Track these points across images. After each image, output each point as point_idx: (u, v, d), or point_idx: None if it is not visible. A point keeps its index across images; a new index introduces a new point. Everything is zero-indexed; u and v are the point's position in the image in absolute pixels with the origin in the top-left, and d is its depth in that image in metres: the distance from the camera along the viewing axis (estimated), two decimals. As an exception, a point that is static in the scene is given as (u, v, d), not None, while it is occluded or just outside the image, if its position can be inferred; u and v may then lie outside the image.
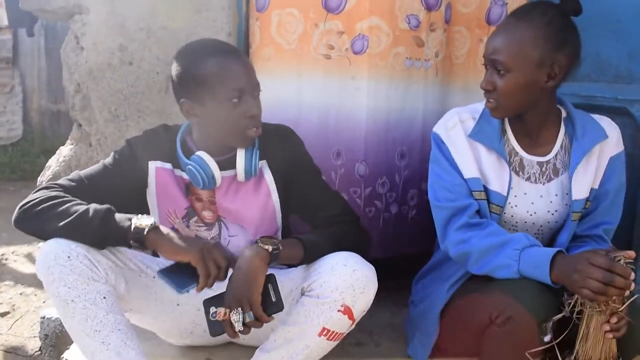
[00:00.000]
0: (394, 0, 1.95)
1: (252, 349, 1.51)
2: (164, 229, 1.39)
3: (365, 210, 2.07)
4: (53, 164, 2.08)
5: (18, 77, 6.26)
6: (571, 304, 1.30)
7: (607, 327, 1.29)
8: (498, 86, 1.45)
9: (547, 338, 1.30)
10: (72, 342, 1.78)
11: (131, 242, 1.35)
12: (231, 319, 1.30)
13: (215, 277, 1.35)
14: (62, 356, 1.71)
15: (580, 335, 1.31)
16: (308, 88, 1.98)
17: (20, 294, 3.19)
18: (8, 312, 2.95)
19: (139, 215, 1.39)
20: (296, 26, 1.94)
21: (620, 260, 1.26)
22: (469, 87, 2.15)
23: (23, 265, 3.62)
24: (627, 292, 1.26)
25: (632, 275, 1.25)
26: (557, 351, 1.30)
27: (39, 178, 2.12)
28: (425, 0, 1.99)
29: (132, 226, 1.34)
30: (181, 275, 1.35)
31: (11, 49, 6.13)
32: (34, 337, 2.67)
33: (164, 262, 1.56)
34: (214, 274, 1.34)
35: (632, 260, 1.28)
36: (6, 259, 3.69)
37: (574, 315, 1.30)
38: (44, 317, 2.19)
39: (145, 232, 1.34)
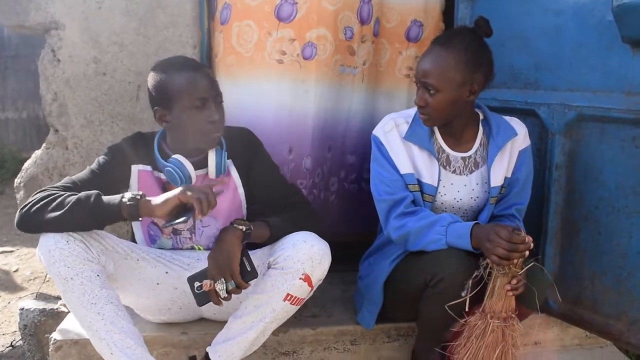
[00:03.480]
0: (336, 13, 2.19)
1: (222, 323, 1.73)
2: (151, 197, 1.55)
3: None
4: (30, 166, 2.23)
5: (-36, 86, 6.21)
6: (484, 267, 1.58)
7: (508, 287, 1.58)
8: (429, 103, 1.71)
9: (463, 293, 1.58)
10: (51, 330, 1.95)
11: (127, 209, 1.50)
12: (216, 288, 1.53)
13: (207, 203, 1.49)
14: (50, 336, 1.87)
15: (487, 292, 1.60)
16: (264, 91, 2.19)
17: (-17, 297, 3.27)
18: (-27, 315, 3.04)
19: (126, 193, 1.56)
20: (252, 35, 2.16)
21: (520, 234, 1.55)
22: (390, 91, 2.45)
23: (-17, 270, 3.69)
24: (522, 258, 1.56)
25: (530, 245, 1.54)
26: (467, 304, 1.57)
27: (15, 180, 2.27)
28: (360, 15, 2.25)
29: (126, 199, 1.51)
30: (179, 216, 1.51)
31: (-43, 58, 6.08)
32: (3, 334, 2.79)
33: (145, 248, 1.77)
34: (204, 198, 1.49)
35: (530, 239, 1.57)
36: (-36, 265, 3.74)
37: (486, 277, 1.59)
38: (22, 309, 2.33)
39: (138, 200, 1.51)
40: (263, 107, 2.21)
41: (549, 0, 1.98)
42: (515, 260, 1.55)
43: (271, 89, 2.20)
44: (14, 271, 3.59)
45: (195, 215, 1.49)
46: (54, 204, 1.52)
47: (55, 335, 1.86)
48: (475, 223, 1.66)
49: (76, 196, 1.53)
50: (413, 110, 1.86)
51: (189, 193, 1.50)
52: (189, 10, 2.15)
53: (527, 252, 1.55)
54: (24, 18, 2.11)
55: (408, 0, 2.37)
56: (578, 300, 1.96)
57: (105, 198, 1.54)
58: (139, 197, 1.52)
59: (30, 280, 3.44)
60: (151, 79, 1.72)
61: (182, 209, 1.52)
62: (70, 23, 2.11)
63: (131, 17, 2.12)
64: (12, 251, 3.93)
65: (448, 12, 2.45)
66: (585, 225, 1.92)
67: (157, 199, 1.53)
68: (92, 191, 1.55)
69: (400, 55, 2.41)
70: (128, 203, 1.51)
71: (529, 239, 1.54)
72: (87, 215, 1.51)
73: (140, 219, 1.54)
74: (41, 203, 1.53)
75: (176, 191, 1.52)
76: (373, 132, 1.87)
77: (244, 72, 2.19)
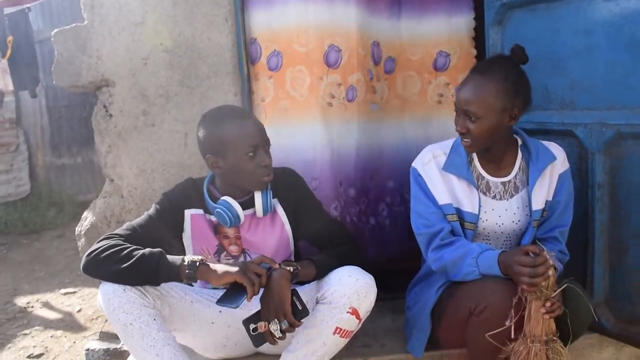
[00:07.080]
0: (366, 58, 2.37)
1: (276, 356, 1.79)
2: (210, 263, 1.65)
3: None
4: (89, 215, 2.37)
5: (22, 136, 6.46)
6: (520, 293, 1.60)
7: (543, 310, 1.59)
8: (471, 130, 1.74)
9: (507, 322, 1.60)
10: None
11: (186, 273, 1.60)
12: (270, 329, 1.59)
13: (259, 285, 1.59)
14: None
15: (526, 317, 1.61)
16: (316, 132, 2.34)
17: (51, 336, 3.38)
18: (42, 354, 3.15)
19: (187, 255, 1.67)
20: (304, 79, 2.32)
21: (537, 255, 1.57)
22: (425, 118, 2.60)
23: (49, 312, 3.79)
24: (550, 274, 1.56)
25: (548, 264, 1.56)
26: (512, 331, 1.60)
27: (76, 228, 2.40)
28: (373, 58, 2.45)
29: (186, 262, 1.61)
30: (232, 295, 1.61)
31: (14, 110, 6.39)
32: (71, 374, 2.92)
33: (198, 289, 1.86)
34: (257, 282, 1.59)
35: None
36: (32, 307, 3.88)
37: (524, 302, 1.60)
38: (88, 350, 2.45)
39: (197, 265, 1.61)
40: (319, 147, 2.36)
41: (579, 21, 1.99)
42: (543, 283, 1.56)
43: (322, 130, 2.35)
44: (77, 311, 3.74)
45: (247, 298, 1.57)
46: (120, 255, 1.62)
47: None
48: (502, 251, 1.68)
49: (141, 252, 1.63)
50: (451, 141, 1.89)
51: (246, 274, 1.58)
52: (229, 59, 2.25)
53: (550, 272, 1.56)
54: (76, 78, 2.26)
55: (430, 35, 2.51)
56: (632, 319, 1.94)
57: (169, 257, 1.63)
58: (198, 263, 1.61)
59: (93, 319, 3.58)
60: (202, 128, 1.81)
61: (235, 284, 1.61)
62: (119, 80, 2.25)
63: (175, 70, 2.24)
64: (74, 292, 4.09)
65: (478, 38, 2.50)
66: (634, 243, 1.91)
67: (216, 270, 1.62)
68: (156, 249, 1.65)
69: (430, 85, 2.55)
70: (187, 270, 1.60)
71: (548, 257, 1.56)
72: (148, 272, 1.61)
73: (197, 282, 1.63)
74: (107, 252, 1.63)
75: (234, 269, 1.60)
76: (412, 164, 1.91)
77: (298, 115, 2.34)
